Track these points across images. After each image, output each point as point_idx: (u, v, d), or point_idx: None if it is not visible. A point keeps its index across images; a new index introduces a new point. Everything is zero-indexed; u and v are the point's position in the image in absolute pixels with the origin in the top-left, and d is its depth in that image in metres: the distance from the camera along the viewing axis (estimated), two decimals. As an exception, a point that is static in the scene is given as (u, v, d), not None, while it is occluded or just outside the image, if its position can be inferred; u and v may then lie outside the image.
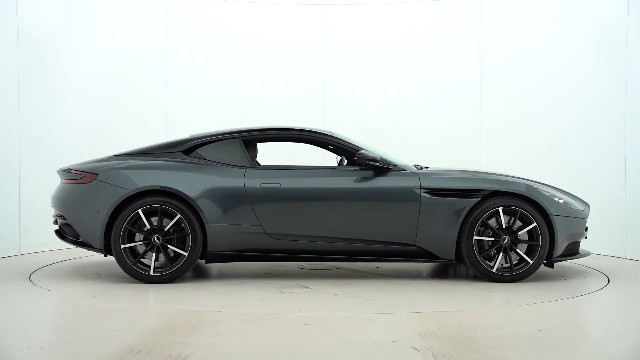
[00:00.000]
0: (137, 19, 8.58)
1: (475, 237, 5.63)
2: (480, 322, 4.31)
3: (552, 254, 5.69)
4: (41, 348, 3.73)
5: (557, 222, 5.66)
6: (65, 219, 5.95)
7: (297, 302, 4.92)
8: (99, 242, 5.74)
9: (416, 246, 5.70)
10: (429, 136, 8.76)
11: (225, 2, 8.98)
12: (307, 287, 5.52)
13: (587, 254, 6.04)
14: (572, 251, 5.87)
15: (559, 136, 7.92)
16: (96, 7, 8.19)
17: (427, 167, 6.25)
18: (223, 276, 6.09)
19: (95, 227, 5.75)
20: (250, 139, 6.09)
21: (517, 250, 5.66)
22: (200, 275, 6.16)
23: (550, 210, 5.66)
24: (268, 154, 7.24)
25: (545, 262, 5.75)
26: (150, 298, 5.13)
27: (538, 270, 5.80)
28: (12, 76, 7.21)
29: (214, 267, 6.60)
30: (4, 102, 7.17)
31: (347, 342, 3.87)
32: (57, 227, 6.16)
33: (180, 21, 8.83)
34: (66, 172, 6.07)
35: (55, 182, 7.73)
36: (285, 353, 3.64)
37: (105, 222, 5.71)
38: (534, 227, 5.63)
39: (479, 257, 5.63)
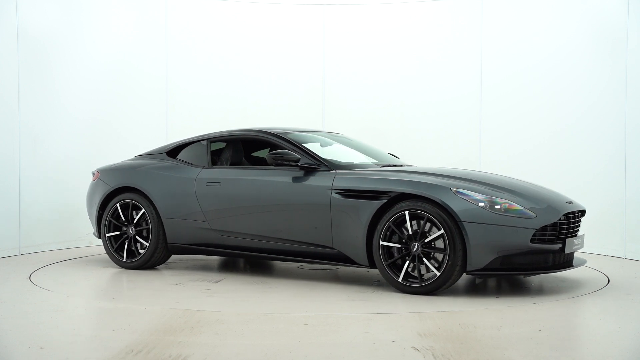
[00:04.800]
0: (137, 18, 8.58)
1: (382, 243, 5.19)
2: (480, 322, 4.31)
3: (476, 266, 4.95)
4: (41, 348, 3.73)
5: (470, 230, 4.91)
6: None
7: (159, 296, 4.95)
8: (96, 231, 6.71)
9: (335, 249, 5.47)
10: (429, 136, 8.76)
11: (225, 2, 8.98)
12: (210, 285, 5.61)
13: (536, 272, 5.15)
14: (525, 265, 5.07)
15: (559, 135, 7.91)
16: (96, 5, 8.19)
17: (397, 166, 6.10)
18: (219, 275, 6.10)
19: (93, 218, 6.74)
20: (217, 142, 6.43)
21: (425, 259, 5.06)
22: (199, 274, 6.16)
23: (460, 215, 4.94)
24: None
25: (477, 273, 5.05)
26: (150, 298, 5.13)
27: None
28: (12, 75, 7.20)
29: (214, 266, 6.61)
30: (4, 101, 7.16)
31: (347, 342, 3.87)
32: None
33: (181, 20, 8.84)
34: (93, 173, 6.96)
35: (55, 182, 7.76)
36: (285, 353, 3.64)
37: (97, 214, 6.65)
38: (441, 234, 4.98)
39: (385, 265, 5.18)
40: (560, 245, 5.18)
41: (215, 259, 7.08)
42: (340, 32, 9.05)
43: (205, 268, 6.54)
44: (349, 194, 5.37)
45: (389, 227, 5.17)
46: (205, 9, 8.94)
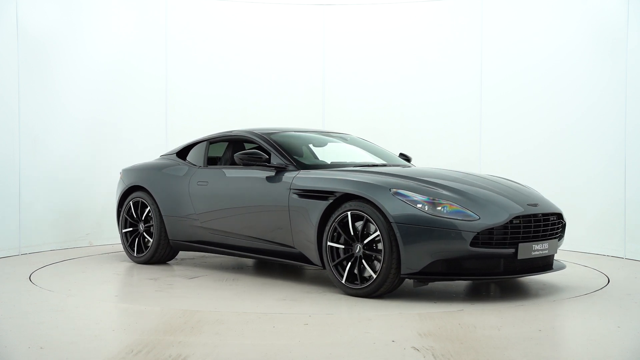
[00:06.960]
0: (137, 18, 8.57)
1: (329, 244, 5.10)
2: (480, 322, 4.31)
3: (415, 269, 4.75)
4: (41, 348, 3.73)
5: (402, 231, 4.72)
6: None
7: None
8: (118, 228, 6.97)
9: (295, 249, 5.43)
10: (429, 136, 8.76)
11: (225, 2, 8.98)
12: (168, 285, 5.59)
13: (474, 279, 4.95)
14: (474, 270, 4.84)
15: (559, 135, 7.91)
16: (96, 5, 8.19)
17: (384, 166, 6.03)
18: (221, 276, 6.10)
19: (115, 215, 7.10)
20: (216, 143, 6.55)
21: (364, 261, 4.92)
22: (199, 274, 6.15)
23: (394, 216, 4.75)
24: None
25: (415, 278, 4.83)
26: (150, 298, 5.13)
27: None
28: (12, 75, 7.20)
29: (215, 265, 6.61)
30: (4, 101, 7.16)
31: (347, 342, 3.87)
32: None
33: (181, 20, 8.83)
34: (120, 173, 7.22)
35: (55, 182, 7.75)
36: (285, 353, 3.64)
37: (117, 211, 6.99)
38: (377, 235, 4.83)
39: (331, 266, 5.09)
40: (513, 250, 4.83)
41: (227, 257, 7.08)
42: (340, 32, 9.05)
43: (200, 265, 6.55)
44: (304, 194, 5.33)
45: (335, 227, 5.08)
46: (205, 9, 8.94)
